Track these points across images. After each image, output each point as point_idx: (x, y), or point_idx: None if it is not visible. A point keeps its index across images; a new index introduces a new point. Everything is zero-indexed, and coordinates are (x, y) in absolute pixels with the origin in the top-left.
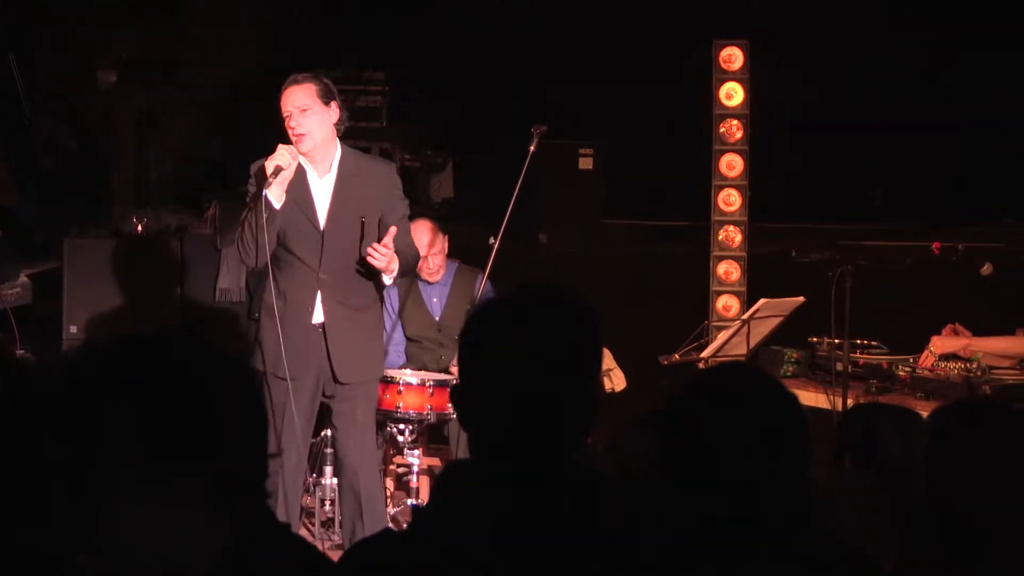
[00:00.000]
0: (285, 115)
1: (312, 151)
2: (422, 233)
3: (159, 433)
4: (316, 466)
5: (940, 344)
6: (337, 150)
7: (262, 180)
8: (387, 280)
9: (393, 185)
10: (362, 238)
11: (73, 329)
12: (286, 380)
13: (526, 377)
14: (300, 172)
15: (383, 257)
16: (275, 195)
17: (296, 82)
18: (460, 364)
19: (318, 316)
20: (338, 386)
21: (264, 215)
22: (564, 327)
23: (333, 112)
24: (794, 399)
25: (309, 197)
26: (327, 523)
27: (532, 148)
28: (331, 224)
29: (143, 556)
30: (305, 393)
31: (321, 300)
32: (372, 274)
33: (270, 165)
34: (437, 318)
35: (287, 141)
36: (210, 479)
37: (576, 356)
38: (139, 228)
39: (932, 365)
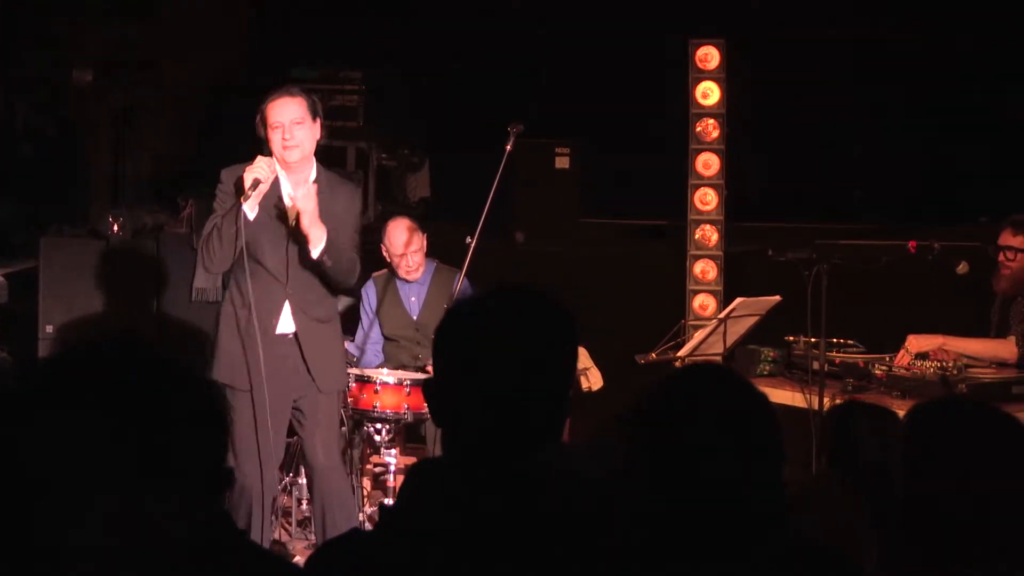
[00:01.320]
0: (274, 125)
1: (296, 163)
2: (400, 231)
3: (126, 447)
4: (293, 466)
5: (916, 343)
6: (313, 166)
7: (239, 190)
8: (314, 253)
9: (355, 207)
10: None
11: (49, 329)
12: (246, 391)
13: (500, 375)
14: (275, 184)
15: (304, 196)
16: (250, 207)
17: (291, 94)
18: (434, 360)
19: (285, 327)
20: (305, 399)
21: (236, 227)
22: (539, 327)
23: (317, 128)
24: (764, 399)
25: (284, 206)
26: (303, 522)
27: (509, 147)
28: (301, 238)
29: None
30: (273, 402)
31: (290, 311)
32: (322, 281)
33: (249, 177)
34: (415, 317)
35: (261, 141)
36: (181, 489)
37: (551, 356)
38: (115, 227)
39: (908, 364)
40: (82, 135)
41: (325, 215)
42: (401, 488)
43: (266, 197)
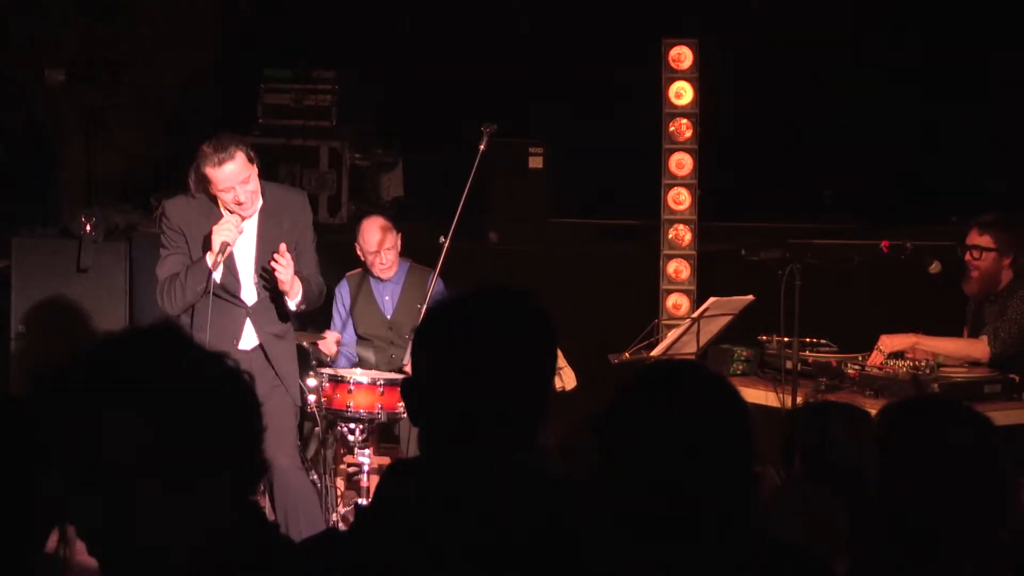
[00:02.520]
0: (223, 189)
1: (255, 209)
2: (373, 230)
3: (175, 437)
4: None
5: (888, 343)
6: (259, 195)
7: (207, 250)
8: (291, 305)
9: (306, 215)
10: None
11: (21, 328)
12: None
13: (479, 375)
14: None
15: (284, 267)
16: (217, 267)
17: (228, 159)
18: (413, 359)
19: (247, 342)
20: (269, 395)
21: (204, 283)
22: (518, 328)
23: (255, 169)
24: (735, 393)
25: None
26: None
27: (482, 147)
28: (258, 263)
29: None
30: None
31: (252, 326)
32: (280, 301)
33: (217, 241)
34: (389, 316)
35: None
36: (216, 481)
37: (529, 357)
38: (87, 227)
39: (881, 363)
40: (54, 135)
41: (277, 234)
42: (377, 488)
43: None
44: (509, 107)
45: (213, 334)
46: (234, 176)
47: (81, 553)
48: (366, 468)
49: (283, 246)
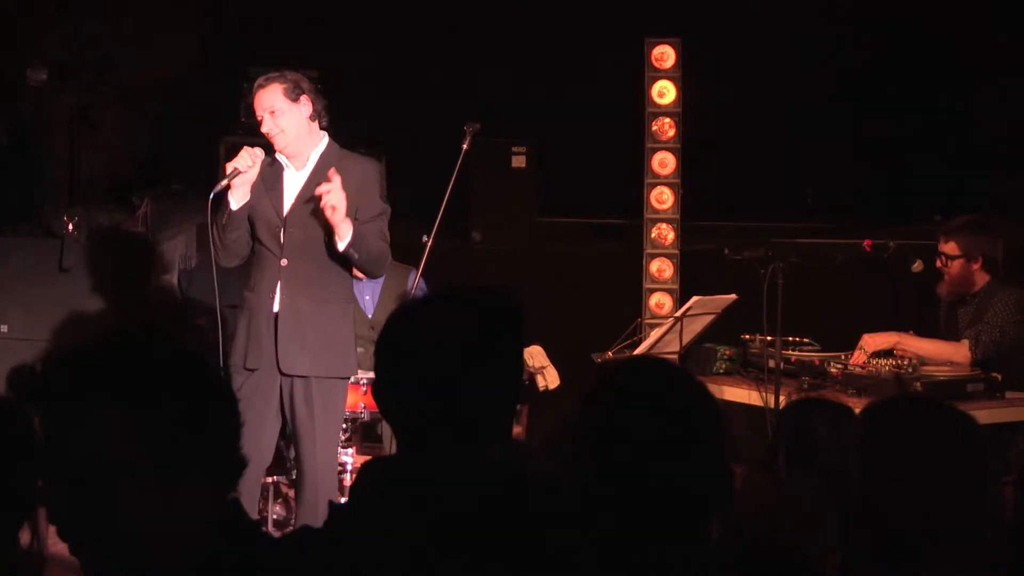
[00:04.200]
0: (258, 116)
1: (287, 147)
2: None
3: (154, 436)
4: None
5: (871, 341)
6: (320, 145)
7: (223, 177)
8: (340, 245)
9: (372, 181)
10: (328, 227)
11: (4, 328)
12: (253, 371)
13: (438, 370)
14: (278, 167)
15: (331, 192)
16: (236, 197)
17: (262, 86)
18: (376, 359)
19: (279, 305)
20: (296, 382)
21: (225, 216)
22: (477, 321)
23: (305, 106)
24: (704, 390)
25: (280, 189)
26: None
27: (465, 146)
28: (294, 214)
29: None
30: (266, 385)
31: (280, 289)
32: (337, 259)
33: (229, 167)
34: (370, 315)
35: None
36: (197, 478)
37: (490, 348)
38: (71, 227)
39: (864, 363)
40: (37, 134)
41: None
42: (352, 486)
43: (269, 179)
44: (493, 106)
45: (257, 293)
46: (262, 103)
47: (55, 544)
48: (349, 467)
49: (332, 170)
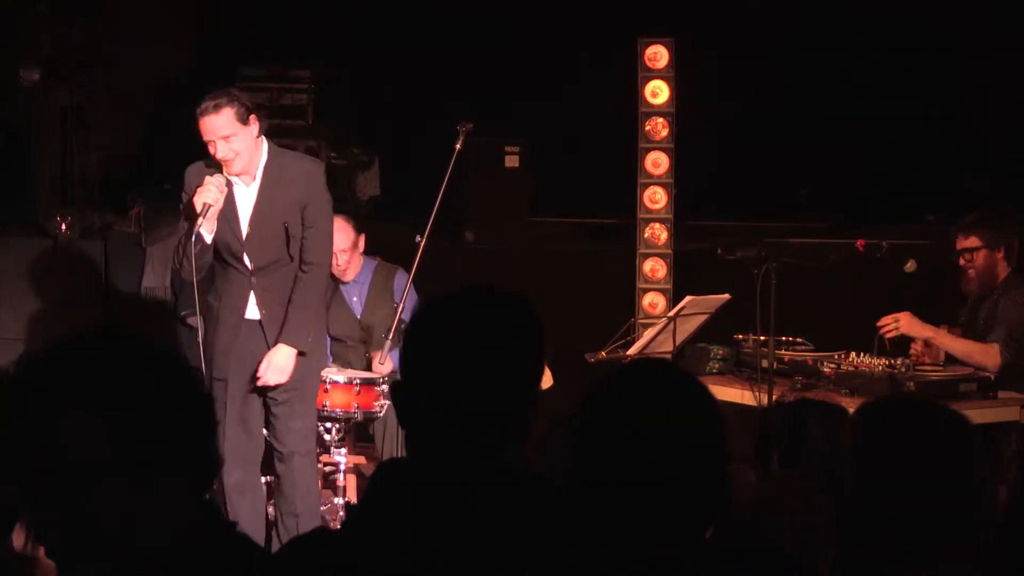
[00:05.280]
0: (207, 140)
1: (241, 169)
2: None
3: (127, 437)
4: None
5: (909, 324)
6: (263, 156)
7: (192, 213)
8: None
9: (318, 185)
10: (288, 239)
11: None
12: (223, 380)
13: (467, 377)
14: (228, 187)
15: (267, 379)
16: (207, 229)
17: (211, 111)
18: (402, 361)
19: (252, 313)
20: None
21: (196, 248)
22: (508, 329)
23: (253, 127)
24: (707, 393)
25: (234, 208)
26: None
27: (458, 146)
28: (253, 231)
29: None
30: (241, 391)
31: (255, 299)
32: (288, 268)
33: (199, 203)
34: (359, 316)
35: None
36: (170, 479)
37: (519, 357)
38: (63, 227)
39: (890, 333)
40: (29, 134)
41: (281, 203)
42: (367, 488)
43: (225, 202)
44: (486, 106)
45: (224, 303)
46: (213, 129)
47: None
48: (342, 467)
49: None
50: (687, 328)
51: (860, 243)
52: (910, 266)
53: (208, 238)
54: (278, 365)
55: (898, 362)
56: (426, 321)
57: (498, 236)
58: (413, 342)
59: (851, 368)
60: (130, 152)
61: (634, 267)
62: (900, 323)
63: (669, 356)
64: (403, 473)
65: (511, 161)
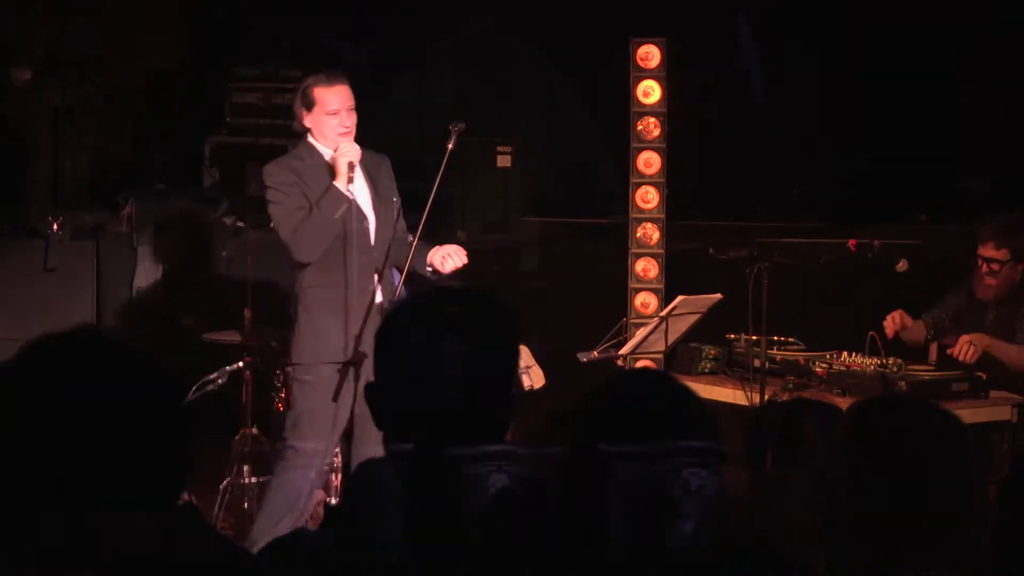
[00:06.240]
0: (332, 111)
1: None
2: None
3: (99, 441)
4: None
5: (981, 341)
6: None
7: (332, 175)
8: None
9: (392, 172)
10: (396, 219)
11: None
12: (336, 365)
13: (440, 375)
14: (331, 168)
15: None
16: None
17: (344, 79)
18: (376, 363)
19: (378, 297)
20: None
21: (341, 209)
22: (478, 325)
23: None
24: (703, 404)
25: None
26: None
27: (450, 146)
28: (376, 211)
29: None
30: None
31: (378, 282)
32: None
33: (343, 163)
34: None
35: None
36: (145, 483)
37: (492, 356)
38: (55, 227)
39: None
40: (21, 134)
41: (383, 188)
42: (346, 489)
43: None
44: (478, 105)
45: (354, 291)
46: (344, 99)
47: None
48: (336, 466)
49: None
50: (679, 328)
51: (852, 243)
52: (902, 266)
53: (351, 197)
54: (451, 249)
55: (890, 362)
56: (395, 323)
57: (490, 236)
58: (383, 345)
59: (843, 368)
60: (122, 152)
61: (626, 267)
62: (975, 343)
63: (661, 356)
64: (383, 473)
65: (503, 161)
